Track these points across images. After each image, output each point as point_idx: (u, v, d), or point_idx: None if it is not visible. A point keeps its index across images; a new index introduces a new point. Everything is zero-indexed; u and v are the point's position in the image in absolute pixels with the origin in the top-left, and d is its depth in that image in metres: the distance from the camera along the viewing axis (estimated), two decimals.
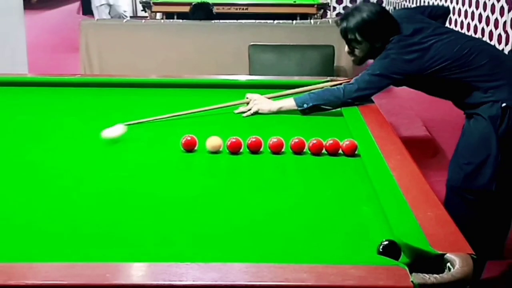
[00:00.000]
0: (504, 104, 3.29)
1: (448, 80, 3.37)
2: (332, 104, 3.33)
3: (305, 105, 3.28)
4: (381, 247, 1.70)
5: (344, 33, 3.38)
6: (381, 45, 3.38)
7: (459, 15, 9.08)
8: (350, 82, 3.41)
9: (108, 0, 10.98)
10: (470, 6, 8.64)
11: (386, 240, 1.72)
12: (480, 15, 8.16)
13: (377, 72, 3.34)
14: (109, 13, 11.14)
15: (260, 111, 3.27)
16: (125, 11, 11.41)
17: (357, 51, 3.41)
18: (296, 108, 3.29)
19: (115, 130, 2.50)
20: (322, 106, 3.30)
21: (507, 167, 3.43)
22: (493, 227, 3.56)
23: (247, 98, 3.39)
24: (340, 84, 3.44)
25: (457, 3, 9.25)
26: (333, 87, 3.41)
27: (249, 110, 3.28)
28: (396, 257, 1.66)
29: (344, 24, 3.37)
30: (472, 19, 8.47)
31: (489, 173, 3.34)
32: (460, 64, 3.35)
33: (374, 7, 3.46)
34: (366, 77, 3.37)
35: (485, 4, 8.02)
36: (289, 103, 3.32)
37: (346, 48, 3.45)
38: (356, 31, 3.34)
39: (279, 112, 3.29)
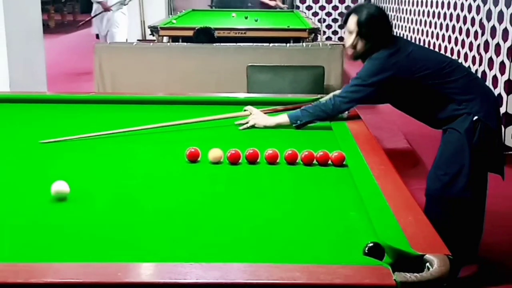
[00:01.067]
0: (475, 117, 3.31)
1: (428, 90, 3.38)
2: (323, 118, 3.32)
3: (298, 122, 3.27)
4: (366, 248, 1.70)
5: (356, 24, 3.33)
6: (379, 44, 3.36)
7: (437, 38, 9.10)
8: (340, 94, 3.39)
9: (101, 31, 10.60)
10: (447, 30, 8.67)
11: (371, 242, 1.72)
12: (456, 39, 8.19)
13: (368, 82, 3.32)
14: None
15: (256, 126, 3.27)
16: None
17: (359, 45, 3.37)
18: (290, 124, 3.30)
19: (60, 186, 2.25)
20: (314, 121, 3.32)
21: (479, 176, 3.45)
22: (468, 231, 3.57)
23: (245, 110, 3.39)
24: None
25: (435, 27, 9.28)
26: (324, 102, 3.39)
27: (246, 123, 3.29)
28: (380, 258, 1.67)
29: (356, 17, 3.33)
30: (449, 42, 8.50)
31: (464, 182, 3.35)
32: (441, 75, 3.36)
33: (379, 8, 3.47)
34: (355, 88, 3.35)
35: (460, 29, 8.05)
36: (283, 119, 3.31)
37: (350, 41, 3.38)
38: (365, 24, 3.31)
39: (274, 127, 3.30)
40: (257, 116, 3.31)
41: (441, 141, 3.55)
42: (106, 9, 10.08)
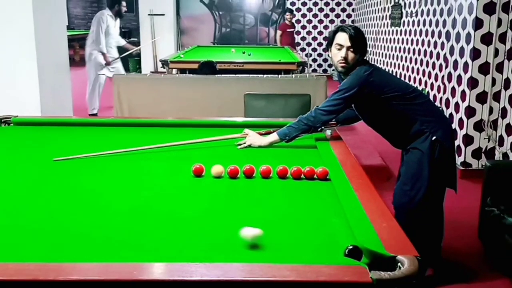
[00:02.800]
0: (434, 137, 3.32)
1: (396, 109, 3.38)
2: (306, 131, 3.32)
3: (287, 137, 3.28)
4: (347, 250, 1.70)
5: (349, 39, 3.29)
6: (361, 60, 3.36)
7: (407, 70, 9.15)
8: (320, 107, 3.34)
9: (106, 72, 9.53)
10: (416, 63, 8.72)
11: (351, 245, 1.72)
12: (424, 71, 8.24)
13: (347, 95, 3.29)
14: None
15: (252, 145, 3.28)
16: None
17: (350, 58, 3.31)
18: (280, 141, 3.30)
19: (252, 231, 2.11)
20: (300, 134, 3.32)
21: (437, 189, 3.46)
22: (431, 236, 3.58)
23: (244, 132, 3.39)
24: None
25: (405, 61, 9.33)
26: (305, 116, 3.35)
27: (244, 143, 3.29)
28: (359, 259, 1.67)
29: (346, 33, 3.30)
30: (418, 74, 8.54)
31: (426, 195, 3.37)
32: (407, 98, 3.37)
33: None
34: (334, 101, 3.31)
35: (427, 62, 8.10)
36: (274, 138, 3.30)
37: (342, 54, 3.31)
38: (356, 39, 3.29)
39: (267, 146, 3.30)
40: (252, 137, 3.32)
41: (403, 160, 3.55)
42: (108, 63, 9.24)
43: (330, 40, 3.41)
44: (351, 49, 3.29)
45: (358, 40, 3.30)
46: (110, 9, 9.47)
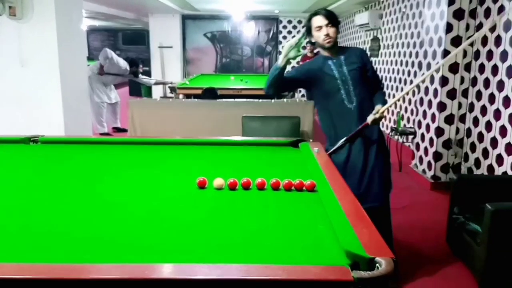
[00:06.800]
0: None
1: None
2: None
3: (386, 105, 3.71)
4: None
5: (326, 17, 3.46)
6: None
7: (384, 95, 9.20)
8: (381, 86, 3.79)
9: (103, 98, 9.66)
10: (392, 89, 8.75)
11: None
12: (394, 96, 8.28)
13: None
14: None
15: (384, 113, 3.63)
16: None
17: (331, 32, 3.49)
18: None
19: None
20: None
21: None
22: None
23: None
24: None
25: (386, 88, 9.38)
26: (381, 92, 3.82)
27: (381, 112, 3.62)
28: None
29: (322, 12, 3.46)
30: (394, 98, 8.57)
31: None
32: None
33: None
34: (378, 76, 3.78)
35: (402, 88, 8.13)
36: (383, 104, 3.68)
37: (324, 32, 3.48)
38: (330, 15, 3.47)
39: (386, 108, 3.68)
40: (382, 109, 3.63)
41: (376, 159, 3.62)
42: (100, 73, 9.33)
43: (308, 28, 3.51)
44: (329, 25, 3.40)
45: (332, 16, 3.45)
46: (130, 66, 9.62)
